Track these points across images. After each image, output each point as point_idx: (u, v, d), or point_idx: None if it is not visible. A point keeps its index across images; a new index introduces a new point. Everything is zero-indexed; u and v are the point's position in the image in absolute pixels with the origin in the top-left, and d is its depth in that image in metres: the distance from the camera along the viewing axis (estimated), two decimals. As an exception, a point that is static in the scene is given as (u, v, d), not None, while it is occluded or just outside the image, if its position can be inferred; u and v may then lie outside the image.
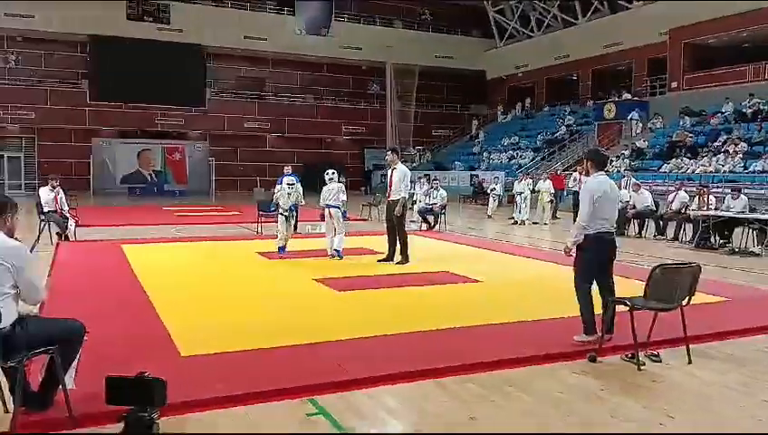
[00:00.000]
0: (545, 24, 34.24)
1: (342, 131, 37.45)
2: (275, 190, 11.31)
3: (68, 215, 12.03)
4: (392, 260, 9.64)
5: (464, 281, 8.31)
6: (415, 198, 16.70)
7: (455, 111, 40.21)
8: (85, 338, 3.87)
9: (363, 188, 35.37)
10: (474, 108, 40.13)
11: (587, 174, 5.56)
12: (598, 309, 5.30)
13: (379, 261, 9.84)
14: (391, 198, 9.67)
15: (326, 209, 10.10)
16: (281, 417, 3.85)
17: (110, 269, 8.84)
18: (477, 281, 8.33)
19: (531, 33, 35.22)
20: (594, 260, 5.29)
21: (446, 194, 15.62)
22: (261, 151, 35.43)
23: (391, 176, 9.70)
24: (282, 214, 10.49)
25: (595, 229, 5.21)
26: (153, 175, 33.41)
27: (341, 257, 9.83)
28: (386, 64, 36.73)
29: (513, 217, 17.60)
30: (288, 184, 10.79)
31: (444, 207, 15.39)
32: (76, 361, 3.82)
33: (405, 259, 9.55)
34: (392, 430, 3.85)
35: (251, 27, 32.73)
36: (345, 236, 10.29)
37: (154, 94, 31.32)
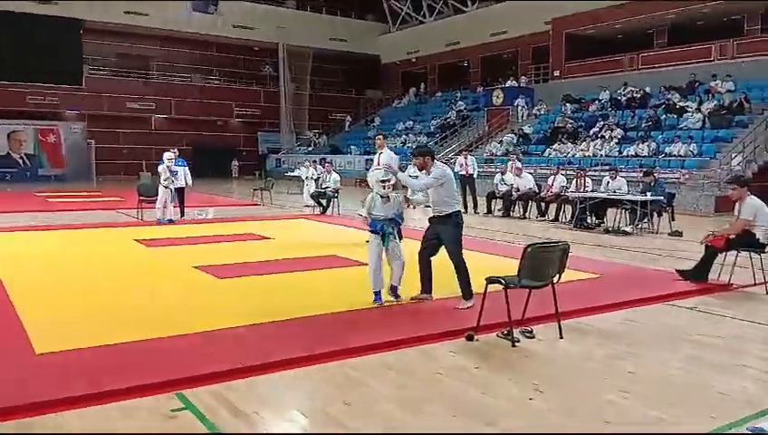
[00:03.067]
0: (437, 11, 34.77)
1: (234, 114, 36.37)
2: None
3: None
4: None
5: (352, 264, 8.23)
6: (310, 182, 16.65)
7: (350, 95, 40.10)
8: None
9: (257, 172, 34.61)
10: (369, 92, 40.23)
11: (421, 168, 6.07)
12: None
13: (367, 242, 10.09)
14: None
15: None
16: (142, 414, 3.59)
17: (-38, 261, 8.01)
18: (366, 264, 8.25)
19: (423, 20, 35.65)
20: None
21: (338, 178, 15.48)
22: (146, 134, 33.73)
23: (378, 160, 9.94)
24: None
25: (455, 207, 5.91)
26: (26, 159, 30.88)
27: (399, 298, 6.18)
28: (279, 45, 35.96)
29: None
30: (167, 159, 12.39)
31: (337, 190, 15.25)
32: None
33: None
34: (263, 423, 3.68)
35: (132, 2, 30.82)
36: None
37: (25, 71, 28.91)
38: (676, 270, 7.43)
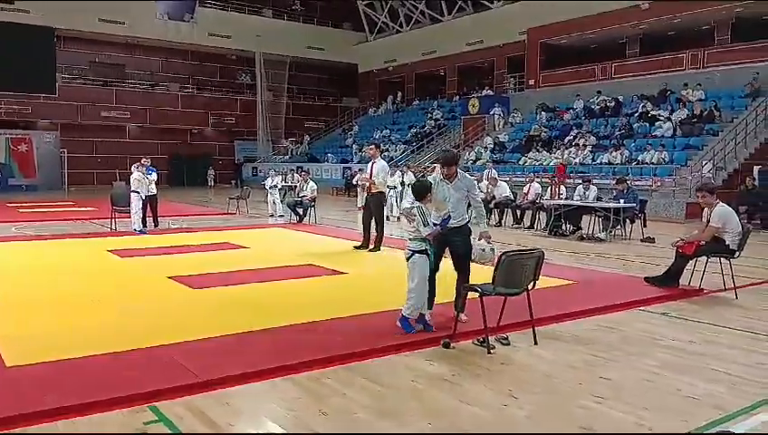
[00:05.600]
0: (413, 20, 34.99)
1: (210, 122, 36.13)
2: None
3: None
4: (367, 248, 10.18)
5: (328, 274, 8.22)
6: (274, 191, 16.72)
7: (327, 104, 40.12)
8: None
9: (234, 181, 34.40)
10: (346, 101, 40.28)
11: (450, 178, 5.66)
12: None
13: (354, 247, 10.38)
14: (373, 192, 10.15)
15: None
16: (114, 428, 3.53)
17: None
18: (342, 273, 8.27)
19: (399, 29, 35.85)
20: None
21: (315, 186, 15.47)
22: (120, 143, 33.32)
23: (371, 169, 10.20)
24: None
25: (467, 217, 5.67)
26: (-4, 168, 30.33)
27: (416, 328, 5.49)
28: (256, 54, 35.87)
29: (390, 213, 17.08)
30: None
31: (314, 199, 15.23)
32: None
33: (377, 247, 10.10)
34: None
35: (107, 9, 30.53)
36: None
37: (-5, 79, 28.43)
38: (645, 278, 7.54)
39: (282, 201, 17.23)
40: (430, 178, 5.76)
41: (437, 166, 6.08)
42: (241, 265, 8.68)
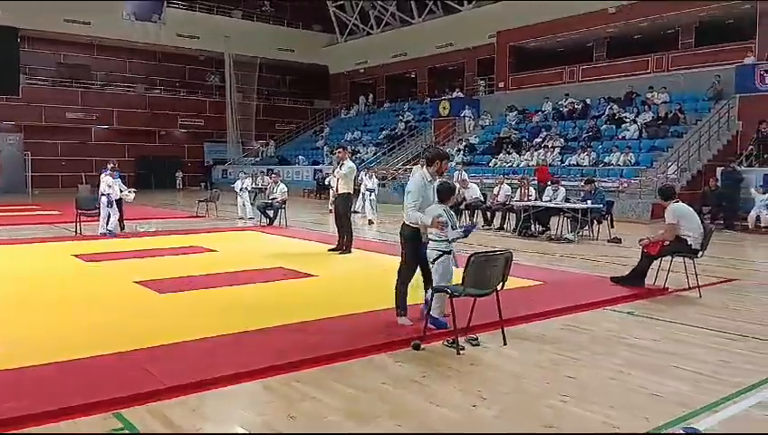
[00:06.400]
0: (384, 22, 35.04)
1: (179, 124, 35.66)
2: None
3: None
4: (342, 249, 10.20)
5: (298, 276, 8.17)
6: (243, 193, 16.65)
7: (298, 106, 39.93)
8: None
9: (203, 184, 34.01)
10: (317, 102, 40.14)
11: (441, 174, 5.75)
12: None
13: (329, 250, 10.37)
14: (339, 192, 10.18)
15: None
16: (78, 436, 3.46)
17: None
18: (312, 276, 8.23)
19: (370, 31, 35.87)
20: None
21: (286, 189, 15.36)
22: (86, 145, 32.70)
23: (339, 171, 10.19)
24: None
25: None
26: (-43, 171, 29.50)
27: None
28: (225, 55, 35.54)
29: (360, 213, 16.90)
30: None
31: (284, 201, 15.13)
32: None
33: (348, 249, 10.15)
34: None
35: (72, 9, 29.91)
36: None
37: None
38: (611, 278, 7.67)
39: (252, 204, 17.10)
40: (419, 177, 5.64)
41: (419, 165, 6.06)
42: (209, 269, 8.58)
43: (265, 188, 16.61)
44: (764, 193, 14.37)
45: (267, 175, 19.90)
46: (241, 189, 16.99)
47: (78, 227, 12.89)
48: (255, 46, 35.21)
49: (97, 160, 30.04)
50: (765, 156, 16.47)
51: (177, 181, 34.88)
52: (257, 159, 34.89)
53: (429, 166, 5.60)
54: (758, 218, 14.14)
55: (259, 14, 37.53)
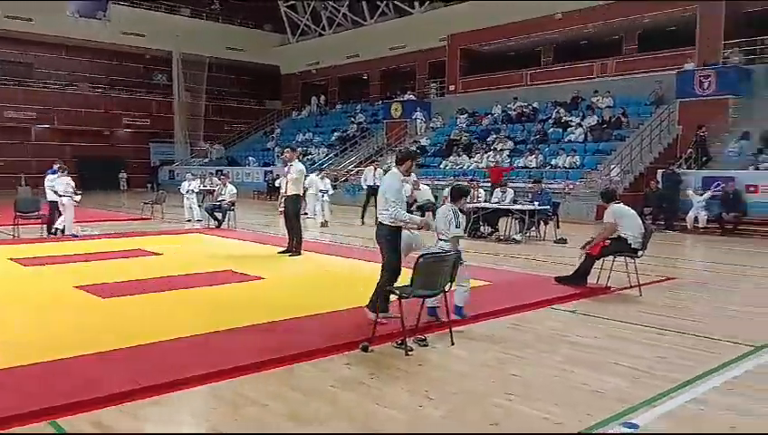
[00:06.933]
0: (336, 23, 34.97)
1: (124, 124, 34.74)
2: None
3: None
4: (292, 251, 10.14)
5: (246, 279, 8.06)
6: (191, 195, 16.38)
7: (249, 106, 39.43)
8: None
9: (149, 185, 33.20)
10: (269, 103, 39.73)
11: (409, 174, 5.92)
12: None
13: (278, 252, 10.27)
14: (288, 194, 10.08)
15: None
16: (10, 448, 3.32)
17: None
18: (260, 278, 8.13)
19: (322, 32, 35.73)
20: None
21: (235, 190, 15.14)
22: (26, 145, 31.51)
23: (288, 173, 10.12)
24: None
25: None
26: None
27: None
28: (172, 54, 34.80)
29: (310, 216, 16.67)
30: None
31: (233, 203, 14.91)
32: None
33: (297, 251, 10.10)
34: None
35: (13, 6, 28.80)
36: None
37: None
38: (555, 278, 7.84)
39: (200, 205, 16.78)
40: (395, 177, 5.69)
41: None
42: (154, 273, 8.37)
43: (213, 190, 16.31)
44: (702, 195, 14.96)
45: (216, 176, 19.59)
46: (188, 191, 16.68)
47: (16, 231, 12.38)
48: (204, 45, 34.61)
49: (36, 162, 29.07)
50: (704, 159, 17.12)
51: (121, 182, 33.97)
52: (206, 160, 34.29)
53: (400, 165, 5.71)
54: (696, 219, 14.70)
55: (208, 12, 36.93)
